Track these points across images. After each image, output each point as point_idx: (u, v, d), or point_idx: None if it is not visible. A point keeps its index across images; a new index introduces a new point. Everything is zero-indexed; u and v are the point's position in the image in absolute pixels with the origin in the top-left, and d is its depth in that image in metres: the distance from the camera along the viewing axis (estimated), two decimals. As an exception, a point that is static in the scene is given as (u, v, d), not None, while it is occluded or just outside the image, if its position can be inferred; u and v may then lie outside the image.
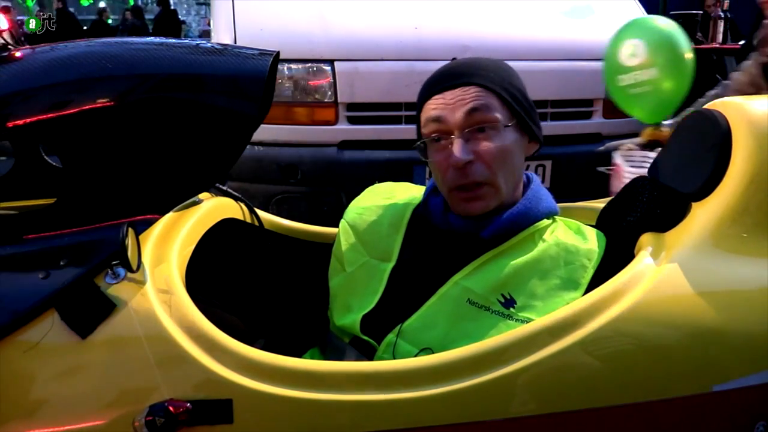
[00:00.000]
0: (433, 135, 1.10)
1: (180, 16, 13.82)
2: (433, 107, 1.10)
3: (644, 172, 2.12)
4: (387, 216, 1.18)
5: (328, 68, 2.58)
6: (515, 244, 1.08)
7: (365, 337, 1.07)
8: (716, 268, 0.99)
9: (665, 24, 2.17)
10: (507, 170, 1.09)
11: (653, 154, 2.04)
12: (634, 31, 2.18)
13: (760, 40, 2.13)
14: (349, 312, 1.11)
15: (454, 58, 1.18)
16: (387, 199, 1.21)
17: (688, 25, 5.17)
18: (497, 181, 1.08)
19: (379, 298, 1.10)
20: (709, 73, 4.43)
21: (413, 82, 2.49)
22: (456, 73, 1.11)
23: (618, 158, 2.19)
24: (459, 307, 1.04)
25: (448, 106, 1.08)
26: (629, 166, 2.13)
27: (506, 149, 1.08)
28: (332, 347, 1.13)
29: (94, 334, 0.90)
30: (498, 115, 1.07)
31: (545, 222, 1.12)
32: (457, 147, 1.06)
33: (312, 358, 1.18)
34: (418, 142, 1.13)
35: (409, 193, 1.23)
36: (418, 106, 1.15)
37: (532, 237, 1.09)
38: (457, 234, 1.11)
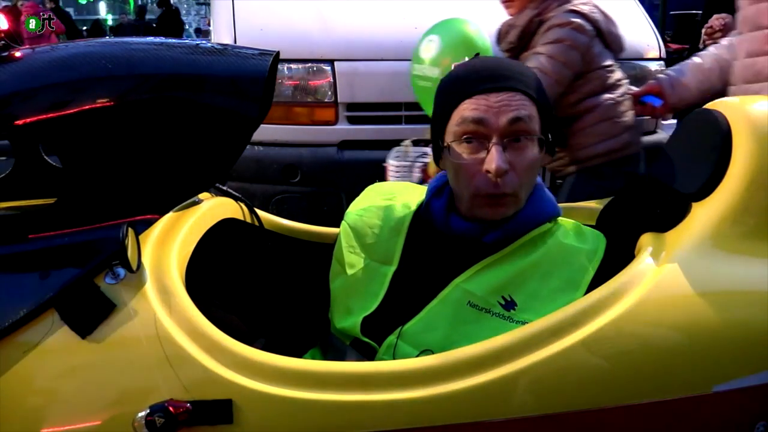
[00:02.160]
0: (466, 136, 1.05)
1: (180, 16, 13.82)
2: (474, 107, 1.04)
3: (409, 165, 2.19)
4: (388, 218, 1.17)
5: (328, 68, 2.58)
6: (517, 248, 1.08)
7: (366, 339, 1.07)
8: (716, 268, 0.99)
9: (471, 28, 2.18)
10: (530, 182, 1.08)
11: (428, 149, 2.10)
12: (439, 29, 2.22)
13: (497, 34, 2.11)
14: (350, 315, 1.11)
15: (476, 54, 1.16)
16: (387, 200, 1.21)
17: (687, 24, 5.12)
18: (521, 193, 1.06)
19: (380, 301, 1.09)
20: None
21: (413, 81, 2.49)
22: (499, 75, 1.06)
23: (390, 156, 2.28)
24: (460, 310, 1.04)
25: (492, 108, 1.03)
26: (398, 162, 2.24)
27: (535, 163, 1.06)
28: (333, 348, 1.13)
29: (93, 334, 0.90)
30: (537, 128, 1.05)
31: (547, 225, 1.11)
32: (497, 155, 1.01)
33: (312, 358, 1.18)
34: (446, 143, 1.07)
35: (410, 194, 1.22)
36: (450, 102, 1.08)
37: (534, 240, 1.09)
38: (459, 238, 1.11)
